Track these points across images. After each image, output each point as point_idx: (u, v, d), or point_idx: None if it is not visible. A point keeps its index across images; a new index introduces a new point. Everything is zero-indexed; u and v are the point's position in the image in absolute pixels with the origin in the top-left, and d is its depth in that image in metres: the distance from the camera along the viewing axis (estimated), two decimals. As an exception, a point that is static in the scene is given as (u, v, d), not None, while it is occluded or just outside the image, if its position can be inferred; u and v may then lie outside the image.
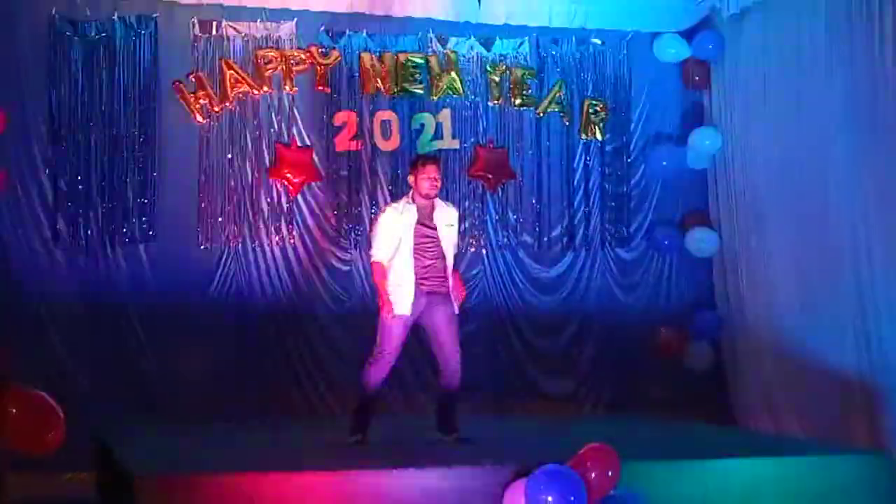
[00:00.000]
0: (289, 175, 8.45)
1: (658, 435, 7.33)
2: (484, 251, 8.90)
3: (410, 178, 6.57)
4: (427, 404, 8.51)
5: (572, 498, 5.12)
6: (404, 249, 6.43)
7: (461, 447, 6.43)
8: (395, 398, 8.45)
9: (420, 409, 8.49)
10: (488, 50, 8.93)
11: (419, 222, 6.47)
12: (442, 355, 6.66)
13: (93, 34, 8.11)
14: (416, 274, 6.42)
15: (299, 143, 8.53)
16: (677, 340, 9.00)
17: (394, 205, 6.66)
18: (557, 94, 9.05)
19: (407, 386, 8.50)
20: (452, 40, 8.84)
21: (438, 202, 6.60)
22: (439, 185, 6.53)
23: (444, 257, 6.51)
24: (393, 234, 6.45)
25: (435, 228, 6.50)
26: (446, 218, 6.58)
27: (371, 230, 6.99)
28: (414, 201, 6.51)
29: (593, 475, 5.26)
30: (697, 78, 9.19)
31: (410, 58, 8.71)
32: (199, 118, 8.32)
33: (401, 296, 6.41)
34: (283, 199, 8.48)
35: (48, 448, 5.29)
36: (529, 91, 9.00)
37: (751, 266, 8.63)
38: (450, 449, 6.38)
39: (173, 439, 6.81)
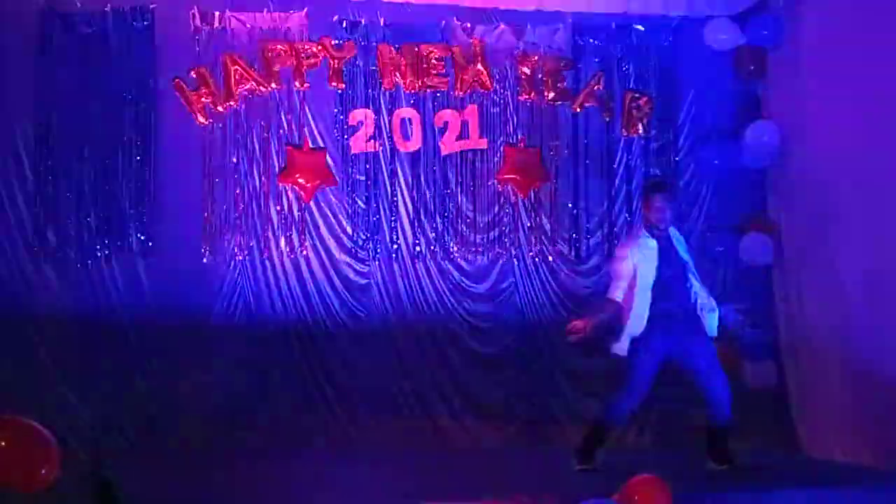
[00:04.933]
0: (300, 180, 8.53)
1: (713, 464, 7.33)
2: (515, 262, 8.94)
3: (644, 208, 7.07)
4: (456, 433, 8.60)
5: (619, 536, 5.15)
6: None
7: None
8: (419, 425, 8.53)
9: (450, 439, 8.56)
10: (519, 39, 8.98)
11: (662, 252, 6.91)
12: (706, 385, 7.05)
13: (84, 28, 8.24)
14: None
15: (311, 145, 8.61)
16: (730, 359, 8.99)
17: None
18: (596, 87, 9.08)
19: (434, 412, 8.59)
20: (479, 29, 8.90)
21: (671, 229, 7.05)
22: (669, 216, 6.95)
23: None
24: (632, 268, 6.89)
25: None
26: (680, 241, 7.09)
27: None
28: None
29: (642, 511, 5.29)
30: (752, 67, 9.17)
31: (433, 49, 8.77)
32: (202, 118, 8.41)
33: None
34: (295, 207, 8.56)
35: (42, 484, 5.35)
36: (565, 84, 9.03)
37: (816, 276, 8.61)
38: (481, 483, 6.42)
39: (180, 471, 6.89)
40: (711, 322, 7.01)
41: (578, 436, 8.75)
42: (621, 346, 6.85)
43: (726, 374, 7.09)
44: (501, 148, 8.94)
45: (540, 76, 8.98)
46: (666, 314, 6.83)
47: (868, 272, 8.04)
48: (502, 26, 8.95)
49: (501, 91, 8.95)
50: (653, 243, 6.90)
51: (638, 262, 6.86)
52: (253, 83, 8.48)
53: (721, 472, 6.77)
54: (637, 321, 6.82)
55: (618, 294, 6.90)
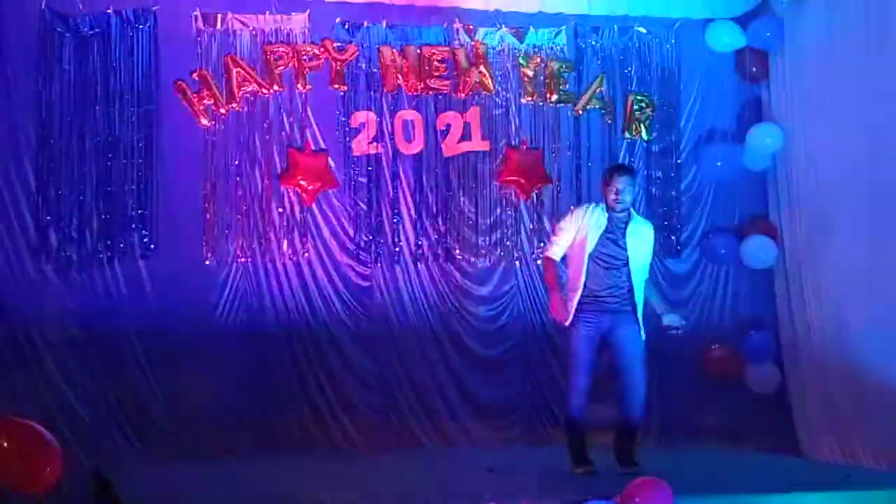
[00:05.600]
0: (302, 182, 8.54)
1: (714, 466, 7.36)
2: (517, 264, 8.94)
3: (602, 188, 6.99)
4: (458, 435, 8.61)
5: (621, 537, 5.16)
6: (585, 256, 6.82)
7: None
8: (422, 428, 8.54)
9: (451, 441, 8.57)
10: (521, 41, 9.00)
11: (608, 232, 6.78)
12: (622, 379, 6.84)
13: (86, 29, 8.23)
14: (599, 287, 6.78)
15: (313, 147, 8.62)
16: (732, 362, 9.01)
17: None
18: (598, 90, 9.09)
19: (436, 414, 8.60)
20: (481, 31, 8.91)
21: (636, 219, 6.96)
22: (627, 199, 6.85)
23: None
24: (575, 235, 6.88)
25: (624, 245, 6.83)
26: (638, 235, 6.93)
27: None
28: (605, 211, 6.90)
29: (644, 512, 5.30)
30: (754, 69, 9.20)
31: (435, 51, 8.79)
32: (204, 120, 8.43)
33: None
34: (297, 209, 8.56)
35: (44, 485, 5.37)
36: (567, 86, 9.04)
37: (817, 278, 8.62)
38: (485, 483, 6.43)
39: (181, 474, 6.90)
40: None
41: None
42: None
43: (648, 373, 7.09)
44: (503, 150, 8.95)
45: (542, 78, 8.99)
46: (595, 296, 6.82)
47: (869, 274, 8.05)
48: (504, 28, 8.96)
49: (503, 93, 8.96)
50: (603, 219, 6.88)
51: (580, 229, 6.86)
52: (255, 85, 8.49)
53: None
54: (573, 290, 6.82)
55: (553, 251, 6.93)
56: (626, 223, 6.93)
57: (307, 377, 8.46)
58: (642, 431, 8.76)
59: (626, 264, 6.87)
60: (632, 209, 7.04)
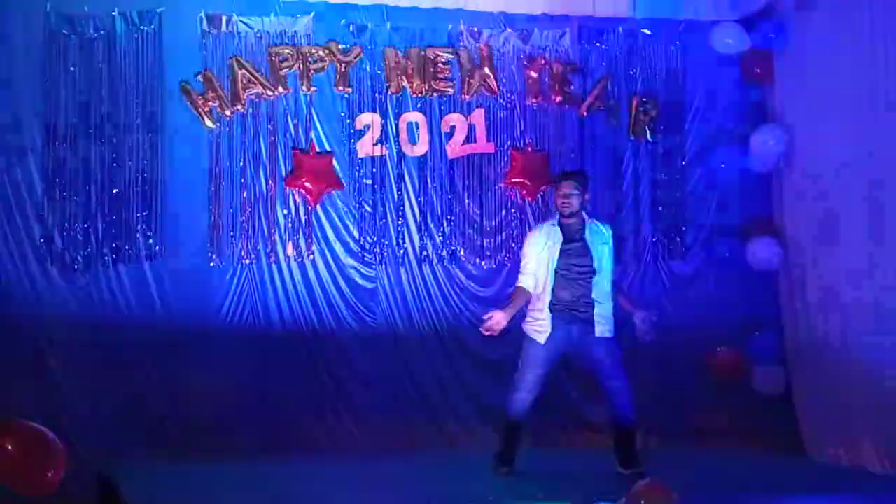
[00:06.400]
0: (307, 184, 8.54)
1: (719, 468, 7.35)
2: (522, 265, 8.93)
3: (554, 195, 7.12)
4: (459, 437, 8.61)
5: (625, 540, 5.15)
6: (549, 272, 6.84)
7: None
8: (426, 431, 8.53)
9: (455, 443, 8.57)
10: (525, 43, 8.99)
11: (566, 243, 6.78)
12: (606, 386, 6.97)
13: (91, 31, 8.23)
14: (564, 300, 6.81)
15: (318, 149, 8.62)
16: (737, 363, 9.00)
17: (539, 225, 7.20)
18: (603, 91, 9.09)
19: (440, 416, 8.59)
20: (486, 33, 8.91)
21: (591, 221, 6.99)
22: (574, 202, 6.84)
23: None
24: (538, 257, 6.88)
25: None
26: (598, 236, 6.95)
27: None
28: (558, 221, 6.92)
29: (648, 515, 5.29)
30: (759, 71, 9.18)
31: (440, 53, 8.78)
32: (209, 122, 8.43)
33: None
34: (302, 210, 8.56)
35: (48, 488, 5.37)
36: (571, 88, 9.04)
37: (822, 279, 8.61)
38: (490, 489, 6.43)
39: (186, 476, 6.90)
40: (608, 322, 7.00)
41: (583, 439, 8.81)
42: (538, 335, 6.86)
43: (628, 377, 7.10)
44: (508, 152, 8.94)
45: (547, 80, 8.98)
46: (563, 307, 6.82)
47: (873, 275, 8.04)
48: (509, 30, 8.95)
49: (508, 95, 8.95)
50: (556, 231, 6.89)
51: (542, 249, 6.90)
52: (260, 87, 8.49)
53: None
54: (543, 310, 6.85)
55: (526, 281, 6.92)
56: (582, 229, 6.94)
57: (311, 378, 8.46)
58: (645, 432, 8.81)
59: (592, 271, 6.87)
60: (584, 214, 7.07)
